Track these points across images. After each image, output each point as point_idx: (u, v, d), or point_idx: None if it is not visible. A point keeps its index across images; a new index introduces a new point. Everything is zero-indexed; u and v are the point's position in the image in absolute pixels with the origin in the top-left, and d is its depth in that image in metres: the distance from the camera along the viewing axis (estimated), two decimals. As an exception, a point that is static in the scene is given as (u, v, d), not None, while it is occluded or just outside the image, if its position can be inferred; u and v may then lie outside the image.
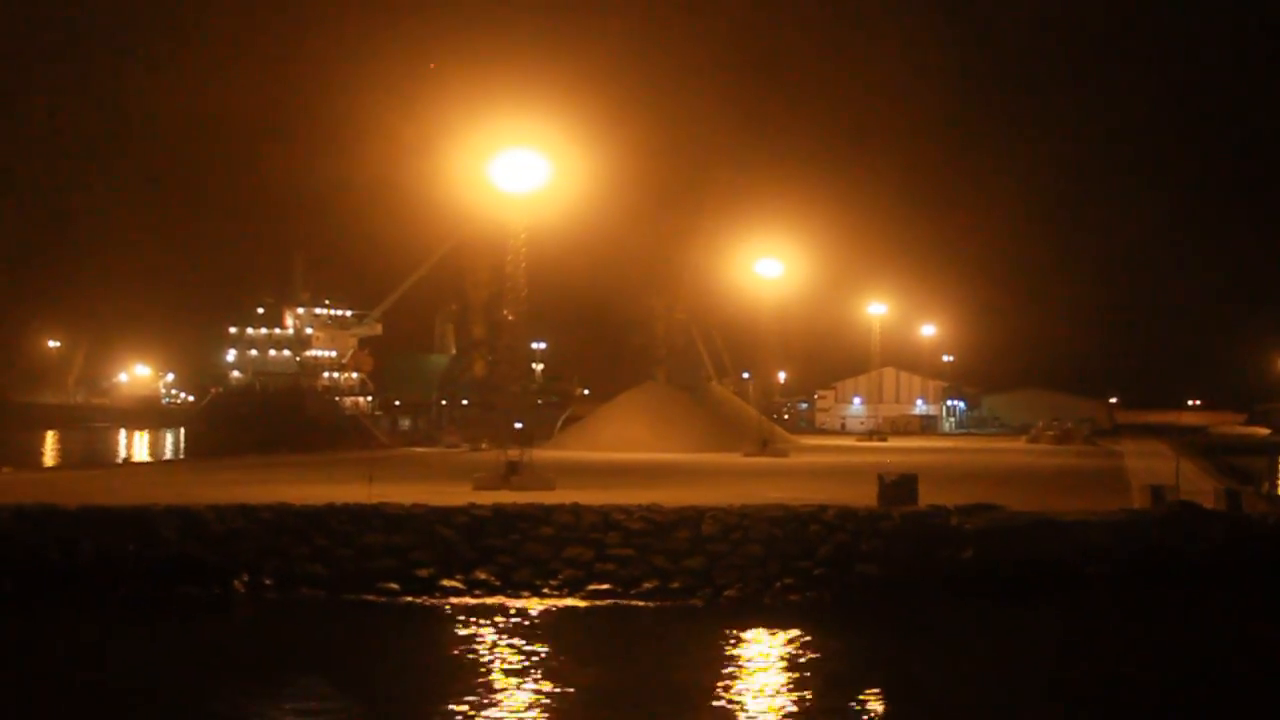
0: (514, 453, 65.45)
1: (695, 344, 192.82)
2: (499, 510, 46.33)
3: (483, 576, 43.30)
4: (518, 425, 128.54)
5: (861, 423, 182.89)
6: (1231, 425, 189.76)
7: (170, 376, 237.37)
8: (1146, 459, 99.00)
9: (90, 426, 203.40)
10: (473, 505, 47.33)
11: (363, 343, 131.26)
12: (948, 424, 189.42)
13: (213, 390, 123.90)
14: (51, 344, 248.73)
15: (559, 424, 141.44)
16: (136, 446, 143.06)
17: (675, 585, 43.14)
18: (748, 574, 43.68)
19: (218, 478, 68.66)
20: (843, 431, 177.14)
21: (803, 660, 36.09)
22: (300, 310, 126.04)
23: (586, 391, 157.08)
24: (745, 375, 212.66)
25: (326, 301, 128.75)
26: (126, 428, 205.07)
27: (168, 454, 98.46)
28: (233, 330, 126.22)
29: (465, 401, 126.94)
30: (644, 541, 44.73)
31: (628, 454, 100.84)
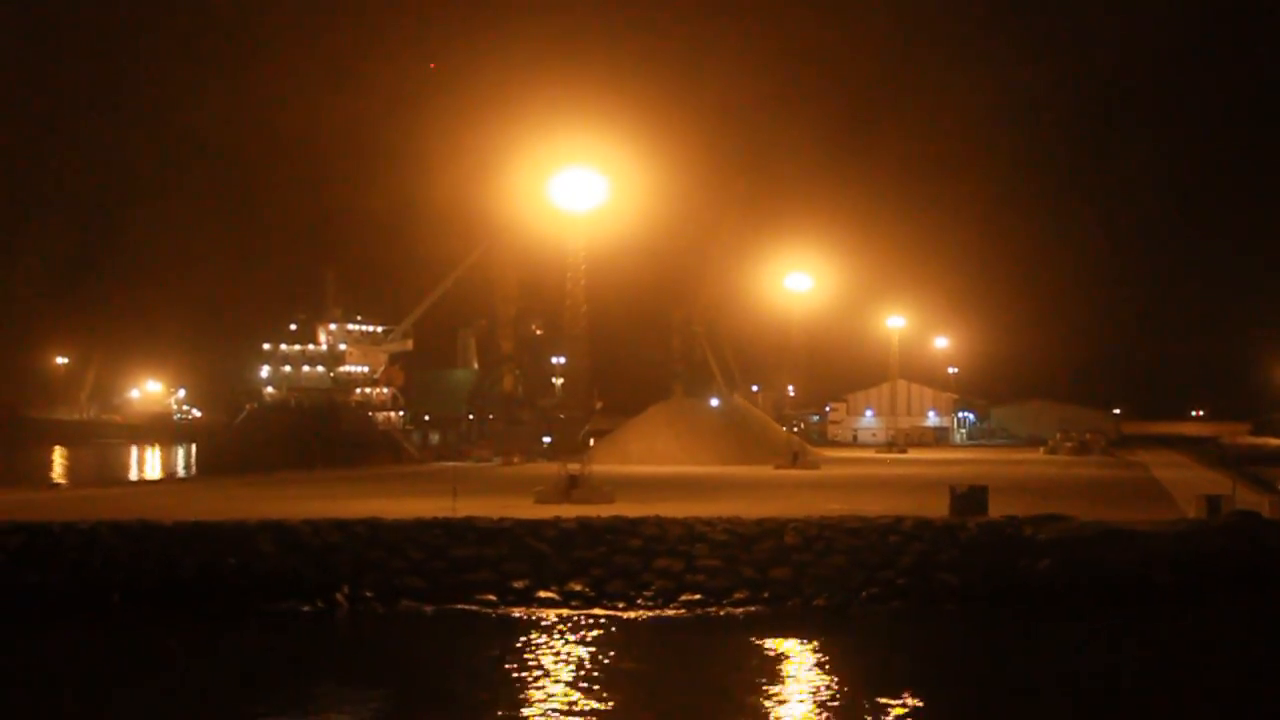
0: (574, 467, 66.61)
1: (706, 357, 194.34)
2: (585, 523, 47.49)
3: (577, 588, 44.40)
4: (546, 440, 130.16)
5: (874, 435, 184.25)
6: (1242, 435, 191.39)
7: (182, 392, 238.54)
8: (1173, 470, 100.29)
9: (103, 442, 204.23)
10: (559, 519, 48.50)
11: (393, 358, 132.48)
12: (958, 436, 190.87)
13: (248, 406, 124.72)
14: (60, 360, 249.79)
15: (579, 438, 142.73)
16: (170, 462, 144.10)
17: (765, 595, 44.29)
18: (834, 584, 44.84)
19: (277, 493, 69.67)
20: (855, 443, 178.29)
21: (897, 667, 37.38)
22: (333, 326, 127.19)
23: (599, 405, 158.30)
24: (754, 388, 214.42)
25: (359, 317, 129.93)
26: (138, 443, 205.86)
27: (210, 469, 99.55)
28: (266, 346, 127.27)
29: (490, 416, 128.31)
30: (730, 553, 45.90)
31: (659, 467, 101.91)
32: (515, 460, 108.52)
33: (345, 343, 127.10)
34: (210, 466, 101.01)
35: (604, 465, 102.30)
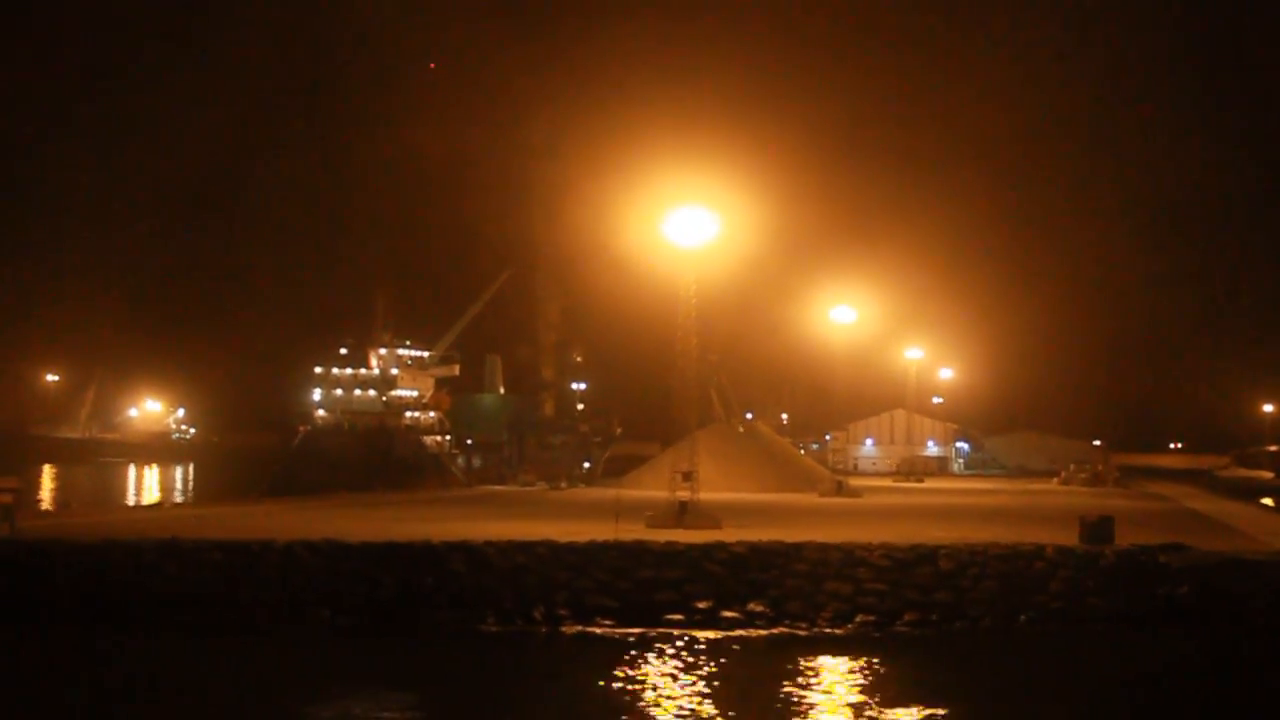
0: (683, 492, 69.43)
1: (708, 388, 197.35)
2: (754, 547, 50.39)
3: (758, 608, 47.29)
4: (586, 465, 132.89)
5: (873, 464, 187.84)
6: (1232, 469, 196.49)
7: (181, 412, 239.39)
8: (1200, 501, 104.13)
9: (105, 461, 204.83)
10: (721, 543, 51.34)
11: (440, 383, 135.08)
12: (955, 465, 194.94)
13: (301, 428, 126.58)
14: (50, 378, 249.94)
15: (601, 463, 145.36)
16: (176, 481, 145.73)
17: (934, 617, 47.40)
18: (993, 607, 48.02)
19: (380, 515, 72.13)
20: (856, 472, 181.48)
21: (1073, 690, 40.56)
22: (383, 351, 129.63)
23: (619, 431, 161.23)
24: (749, 415, 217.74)
25: (408, 342, 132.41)
26: (138, 463, 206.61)
27: (279, 490, 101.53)
28: (318, 369, 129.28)
29: (531, 442, 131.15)
30: (892, 576, 49.00)
31: (707, 494, 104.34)
32: (563, 485, 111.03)
33: (397, 367, 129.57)
34: (278, 488, 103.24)
35: (650, 490, 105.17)
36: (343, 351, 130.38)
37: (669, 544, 50.82)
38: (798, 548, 50.39)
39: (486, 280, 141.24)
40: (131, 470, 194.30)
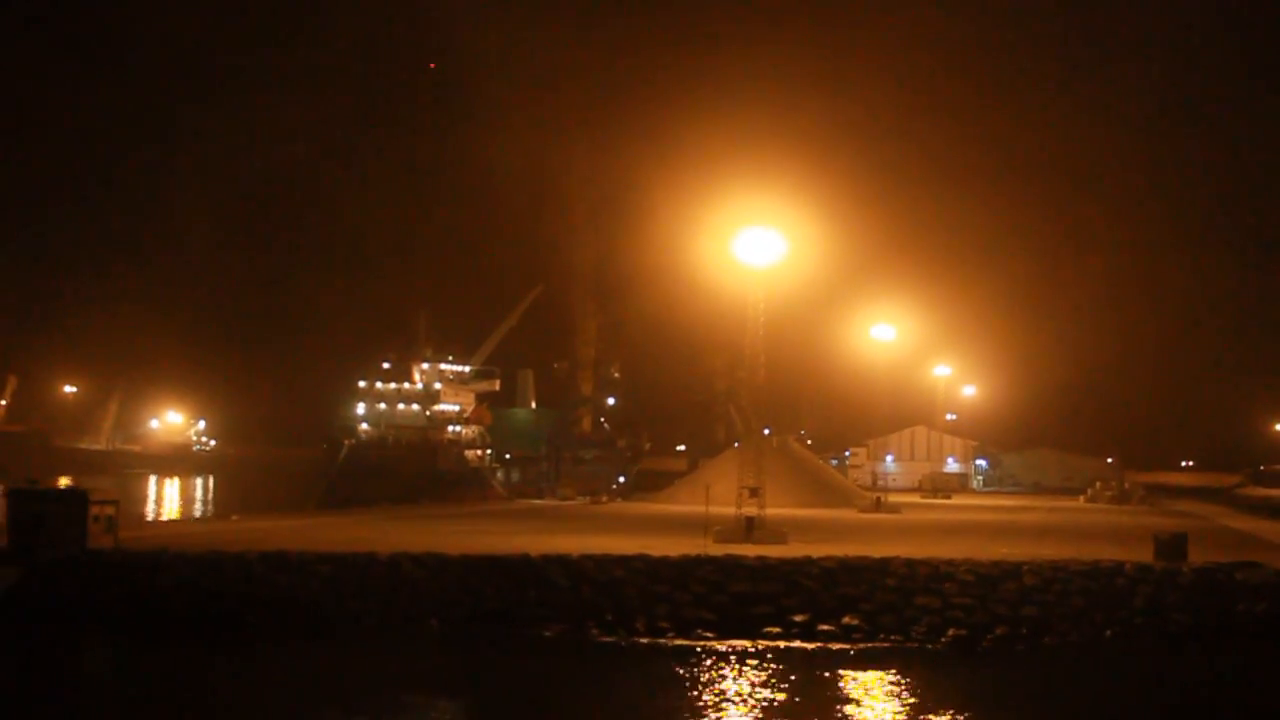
0: (750, 509, 70.82)
1: (728, 405, 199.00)
2: (843, 562, 51.72)
3: (854, 622, 48.52)
4: (620, 479, 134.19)
5: (893, 480, 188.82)
6: (1249, 486, 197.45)
7: (202, 424, 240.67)
8: (1233, 519, 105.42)
9: (127, 473, 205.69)
10: (810, 558, 52.67)
11: (480, 397, 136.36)
12: (975, 482, 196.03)
13: (347, 442, 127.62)
14: (68, 389, 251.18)
15: (633, 477, 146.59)
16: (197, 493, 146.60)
17: (1024, 631, 48.68)
18: (1080, 622, 49.32)
19: (441, 528, 73.39)
20: (877, 488, 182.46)
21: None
22: (425, 366, 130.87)
23: (648, 446, 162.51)
24: (766, 431, 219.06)
25: (450, 357, 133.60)
26: (160, 475, 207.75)
27: (329, 503, 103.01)
28: (362, 384, 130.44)
29: (568, 456, 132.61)
30: (979, 591, 50.29)
31: (747, 510, 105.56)
32: (604, 499, 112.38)
33: (439, 381, 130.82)
34: (328, 501, 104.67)
35: (690, 505, 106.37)
36: (385, 366, 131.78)
37: (761, 558, 52.16)
38: (885, 562, 51.71)
39: (520, 295, 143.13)
40: (153, 481, 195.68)
